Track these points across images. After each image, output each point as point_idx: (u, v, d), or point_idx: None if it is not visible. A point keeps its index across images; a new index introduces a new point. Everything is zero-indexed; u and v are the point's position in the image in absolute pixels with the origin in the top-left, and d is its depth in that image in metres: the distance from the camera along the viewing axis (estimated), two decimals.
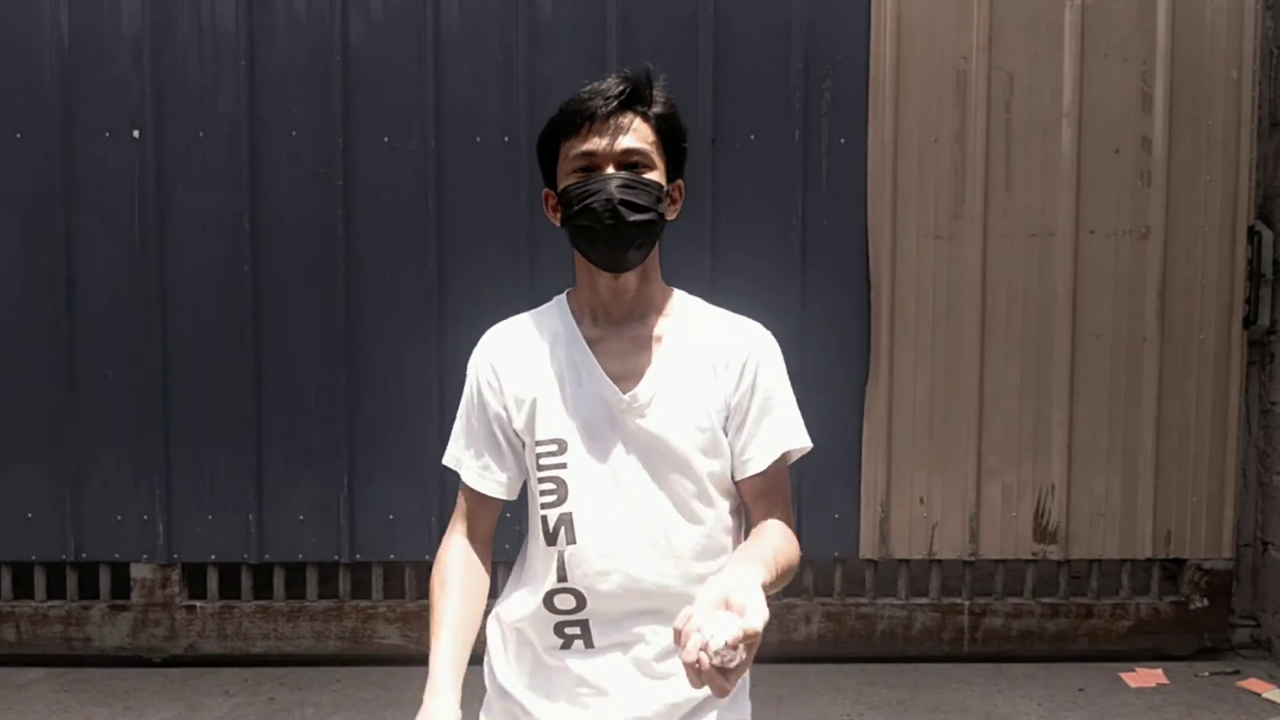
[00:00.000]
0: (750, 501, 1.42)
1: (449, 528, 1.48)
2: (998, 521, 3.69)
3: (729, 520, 1.44)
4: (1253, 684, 3.52)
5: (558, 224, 1.41)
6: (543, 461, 1.38)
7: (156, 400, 3.59)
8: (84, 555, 3.65)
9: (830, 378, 3.61)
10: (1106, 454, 3.68)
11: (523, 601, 1.43)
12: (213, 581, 3.71)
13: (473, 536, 1.46)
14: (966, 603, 3.73)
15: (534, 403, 1.39)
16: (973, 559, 3.71)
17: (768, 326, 1.49)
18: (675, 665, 1.33)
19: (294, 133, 3.57)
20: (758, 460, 1.40)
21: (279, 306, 3.59)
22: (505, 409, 1.42)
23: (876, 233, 3.61)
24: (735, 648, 1.03)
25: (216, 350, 3.59)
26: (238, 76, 3.55)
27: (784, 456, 1.42)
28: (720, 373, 1.40)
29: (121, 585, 3.69)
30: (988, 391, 3.66)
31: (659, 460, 1.37)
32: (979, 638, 3.73)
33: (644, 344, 1.39)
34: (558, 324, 1.43)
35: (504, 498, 1.46)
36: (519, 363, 1.42)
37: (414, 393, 3.58)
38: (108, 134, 3.55)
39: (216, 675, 3.63)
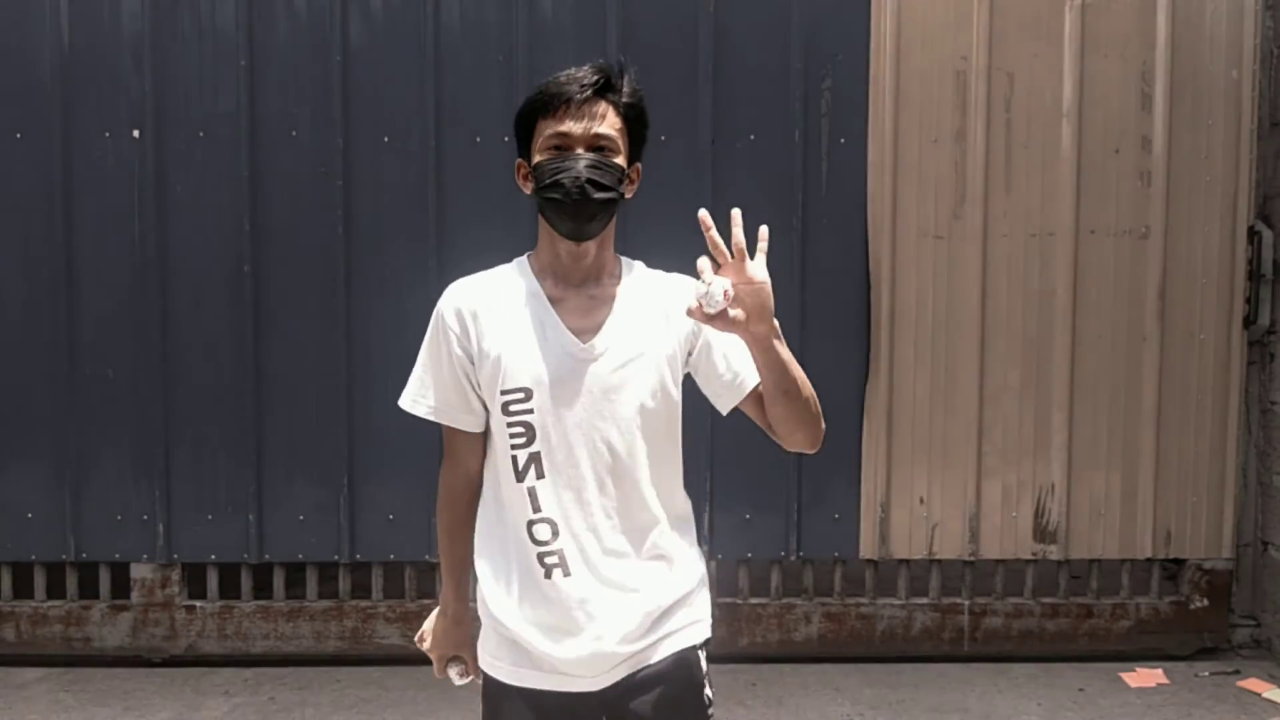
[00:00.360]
0: (764, 407, 1.57)
1: (444, 469, 1.63)
2: (998, 521, 3.69)
3: (677, 456, 1.62)
4: (1253, 684, 3.52)
5: (528, 192, 1.55)
6: (511, 408, 1.52)
7: (156, 400, 3.59)
8: (84, 555, 3.65)
9: (830, 378, 3.60)
10: (1106, 454, 3.68)
11: (504, 537, 1.57)
12: (213, 581, 3.71)
13: (468, 471, 1.61)
14: (966, 603, 3.73)
15: (500, 355, 1.53)
16: (973, 559, 3.71)
17: None
18: (645, 578, 1.53)
19: (294, 133, 3.57)
20: (750, 375, 1.57)
21: (279, 306, 3.59)
22: (472, 358, 1.56)
23: (876, 233, 3.61)
24: (729, 298, 1.33)
25: (216, 350, 3.59)
26: (238, 76, 3.55)
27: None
28: (673, 319, 1.55)
29: (121, 585, 3.69)
30: (988, 391, 3.66)
31: (614, 403, 1.52)
32: (979, 638, 3.73)
33: (600, 302, 1.55)
34: (521, 283, 1.57)
35: (481, 431, 1.60)
36: (486, 316, 1.56)
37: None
38: (108, 134, 3.55)
39: (216, 675, 3.63)
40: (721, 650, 3.67)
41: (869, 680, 3.59)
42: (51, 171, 3.54)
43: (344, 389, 3.59)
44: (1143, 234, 3.65)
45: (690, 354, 1.58)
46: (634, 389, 1.53)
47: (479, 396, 1.57)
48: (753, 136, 3.59)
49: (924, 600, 3.74)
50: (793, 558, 3.68)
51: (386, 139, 3.58)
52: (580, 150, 1.49)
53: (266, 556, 3.65)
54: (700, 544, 1.66)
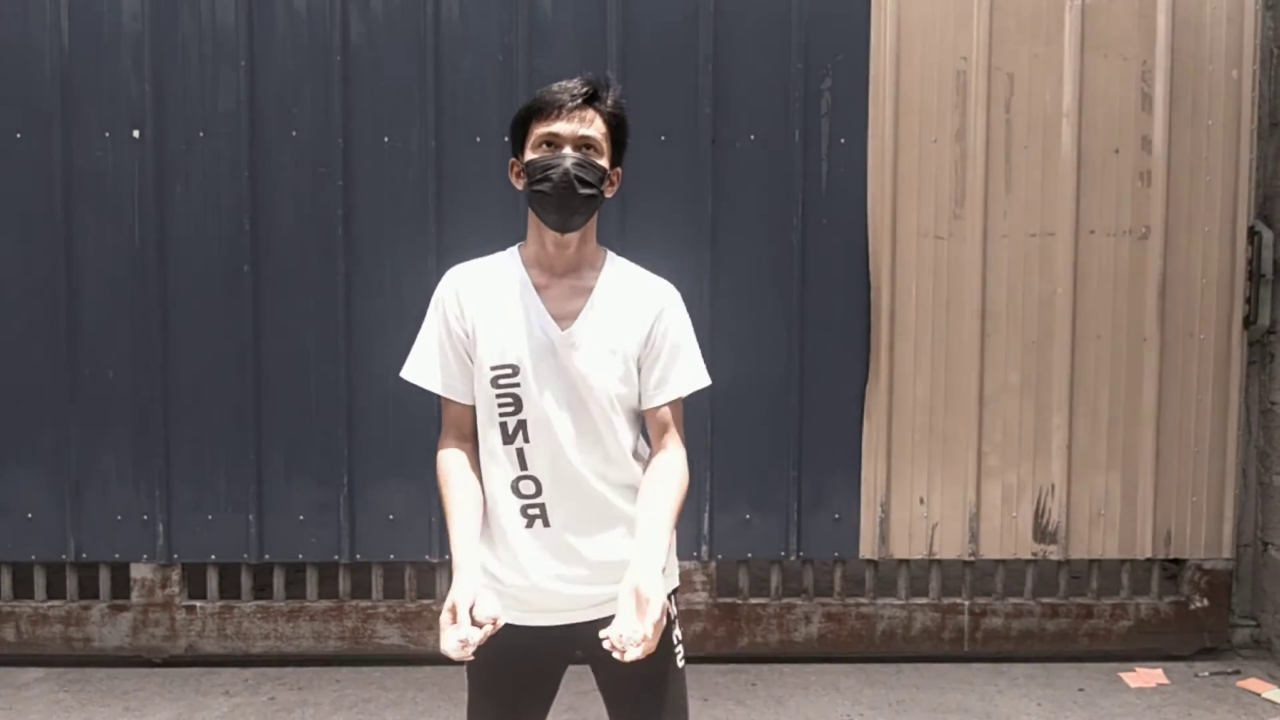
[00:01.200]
0: (653, 428, 1.78)
1: (441, 437, 1.78)
2: (998, 521, 3.69)
3: (635, 429, 1.81)
4: (1253, 684, 3.52)
5: (519, 188, 1.73)
6: (500, 381, 1.72)
7: (156, 400, 3.59)
8: (84, 555, 3.65)
9: (830, 378, 3.62)
10: (1106, 454, 3.68)
11: (492, 495, 1.75)
12: (213, 581, 3.71)
13: (462, 438, 1.79)
14: (966, 603, 3.73)
15: (491, 333, 1.72)
16: (973, 559, 3.71)
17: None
18: (618, 531, 1.75)
19: (294, 133, 3.57)
20: (664, 396, 1.76)
21: (279, 306, 3.59)
22: (468, 335, 1.74)
23: (876, 233, 3.61)
24: (644, 639, 1.50)
25: (216, 351, 3.59)
26: (238, 76, 3.55)
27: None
28: (638, 320, 1.75)
29: (121, 585, 3.69)
30: (988, 391, 3.66)
31: (587, 383, 1.71)
32: (979, 638, 3.74)
33: (579, 293, 1.74)
34: (512, 271, 1.76)
35: (473, 404, 1.78)
36: (481, 299, 1.74)
37: (414, 393, 3.55)
38: (108, 134, 3.55)
39: (216, 675, 3.63)
40: (721, 650, 3.69)
41: (869, 680, 3.59)
42: (51, 171, 3.54)
43: (344, 389, 3.59)
44: (1143, 234, 3.65)
45: (639, 355, 1.76)
46: (606, 371, 1.72)
47: (471, 370, 1.76)
48: (753, 136, 3.59)
49: (924, 600, 3.74)
50: (793, 558, 3.68)
51: (386, 139, 3.58)
52: (568, 149, 1.67)
53: (266, 556, 3.65)
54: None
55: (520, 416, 1.71)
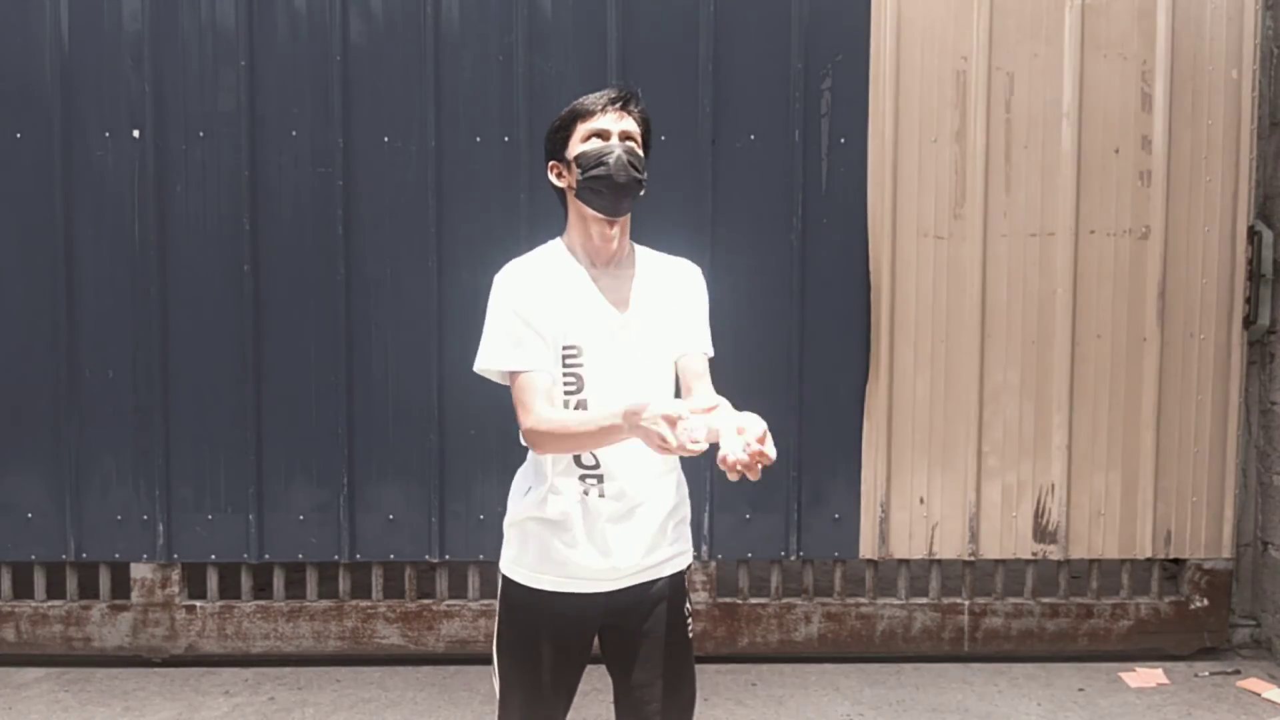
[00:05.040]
0: (693, 377, 1.91)
1: (532, 413, 1.80)
2: (998, 521, 3.69)
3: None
4: (1253, 684, 3.52)
5: (561, 185, 1.89)
6: (567, 361, 1.85)
7: (156, 401, 3.59)
8: (84, 555, 3.65)
9: (830, 378, 3.62)
10: (1106, 454, 3.68)
11: (550, 471, 1.87)
12: (213, 581, 3.71)
13: (554, 404, 1.85)
14: (966, 603, 3.73)
15: (560, 317, 1.84)
16: (973, 559, 3.71)
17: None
18: (661, 503, 1.90)
19: (294, 133, 3.57)
20: (699, 346, 1.95)
21: (279, 306, 3.59)
22: (539, 317, 1.84)
23: (876, 233, 3.61)
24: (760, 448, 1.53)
25: (216, 350, 3.59)
26: (238, 76, 3.55)
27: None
28: (678, 292, 1.95)
29: (121, 585, 3.69)
30: (988, 391, 3.66)
31: (640, 361, 1.88)
32: (979, 638, 3.74)
33: (625, 281, 1.91)
34: (566, 263, 1.89)
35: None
36: (542, 286, 1.85)
37: (414, 392, 3.58)
38: (108, 134, 3.55)
39: (216, 675, 3.63)
40: (721, 650, 3.69)
41: (869, 680, 3.59)
42: (51, 171, 3.54)
43: (344, 389, 3.59)
44: (1143, 234, 3.65)
45: (680, 318, 1.94)
46: (657, 349, 1.90)
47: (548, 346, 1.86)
48: (753, 136, 3.59)
49: (924, 600, 3.74)
50: (793, 558, 3.68)
51: (386, 139, 3.58)
52: (616, 140, 1.84)
53: (266, 556, 3.65)
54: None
55: (581, 395, 1.84)
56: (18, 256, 3.57)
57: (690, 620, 1.99)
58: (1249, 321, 3.68)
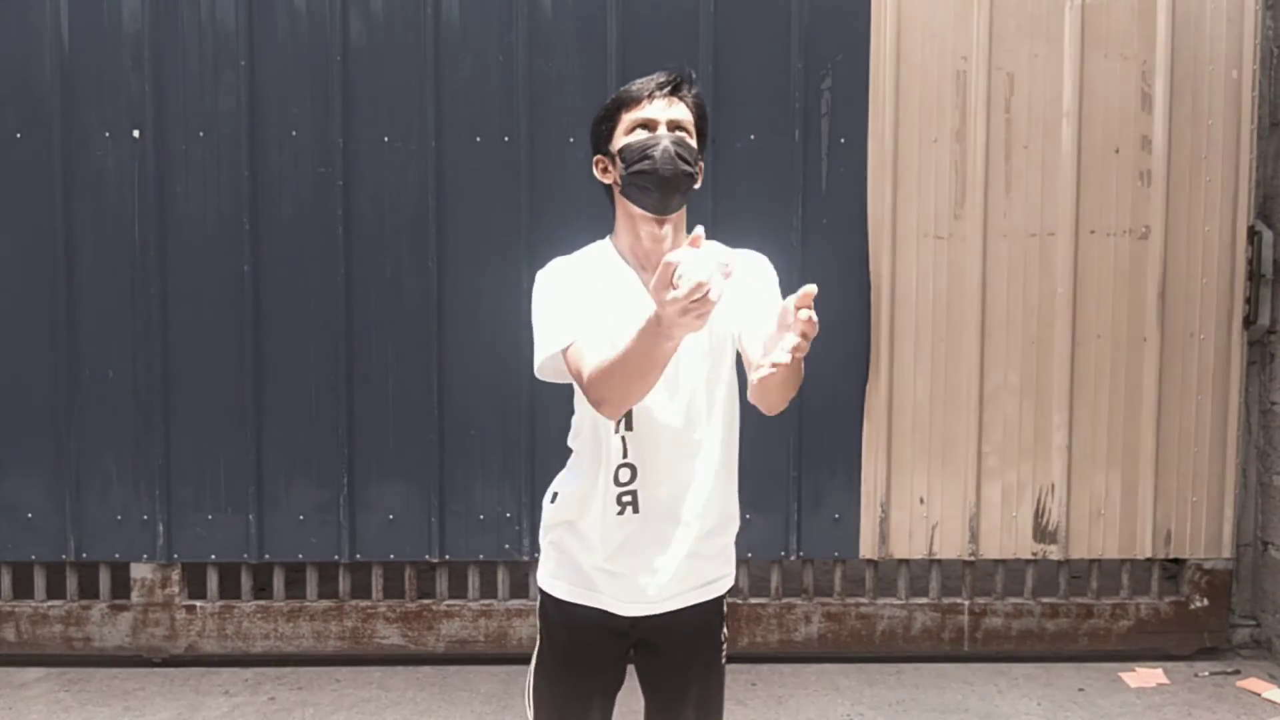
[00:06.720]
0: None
1: (585, 372, 1.60)
2: (998, 521, 3.69)
3: (736, 416, 1.82)
4: (1253, 684, 3.52)
5: (607, 181, 1.73)
6: None
7: (156, 400, 3.59)
8: (84, 555, 3.65)
9: (830, 378, 3.61)
10: (1106, 454, 3.68)
11: (595, 477, 1.74)
12: (213, 581, 3.71)
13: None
14: (966, 603, 3.73)
15: (602, 321, 1.65)
16: (973, 559, 3.71)
17: None
18: (701, 524, 1.76)
19: (294, 133, 3.57)
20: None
21: (279, 306, 3.59)
22: (589, 304, 1.67)
23: (876, 233, 3.61)
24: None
25: (216, 350, 3.59)
26: (238, 76, 3.55)
27: None
28: (740, 291, 1.66)
29: (121, 585, 3.69)
30: (988, 391, 3.66)
31: (694, 371, 1.71)
32: (979, 638, 3.74)
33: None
34: (614, 264, 1.74)
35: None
36: (583, 282, 1.70)
37: (414, 392, 3.58)
38: (108, 134, 3.55)
39: (216, 675, 3.63)
40: None
41: (869, 680, 3.59)
42: (51, 171, 3.54)
43: (344, 389, 3.59)
44: (1143, 234, 3.65)
45: (744, 325, 1.72)
46: (711, 362, 1.73)
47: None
48: (753, 136, 3.59)
49: (924, 600, 3.74)
50: (793, 558, 3.68)
51: (386, 139, 3.58)
52: (663, 130, 1.66)
53: (266, 556, 3.65)
54: None
55: (628, 426, 1.72)
56: (18, 256, 3.57)
57: (725, 645, 1.90)
58: (1249, 321, 3.68)
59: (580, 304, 1.66)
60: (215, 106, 3.56)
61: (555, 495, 1.83)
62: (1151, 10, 3.60)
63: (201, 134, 3.56)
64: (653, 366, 1.50)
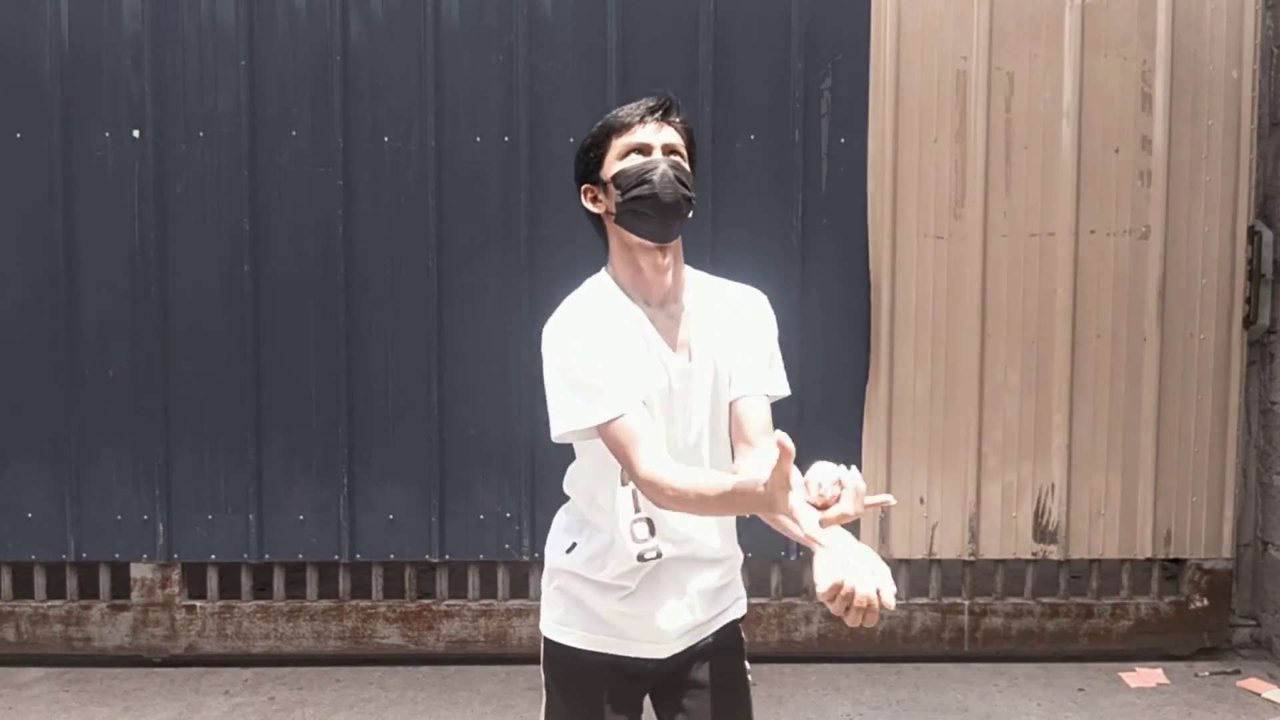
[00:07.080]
0: (753, 430, 1.66)
1: (638, 461, 1.53)
2: (998, 521, 3.69)
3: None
4: (1253, 684, 3.52)
5: (596, 210, 1.65)
6: None
7: (156, 400, 3.59)
8: (84, 555, 3.65)
9: (830, 378, 3.61)
10: (1106, 454, 3.68)
11: (604, 541, 1.67)
12: (213, 581, 3.71)
13: (660, 449, 1.57)
14: (966, 603, 3.73)
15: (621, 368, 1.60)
16: (972, 559, 3.71)
17: None
18: (714, 561, 1.71)
19: (294, 133, 3.57)
20: (765, 385, 1.69)
21: (279, 306, 3.59)
22: (610, 355, 1.60)
23: (876, 233, 3.61)
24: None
25: (216, 350, 3.59)
26: (238, 76, 3.55)
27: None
28: (738, 331, 1.69)
29: (121, 585, 3.69)
30: (988, 391, 3.66)
31: (702, 408, 1.66)
32: (979, 638, 3.74)
33: (683, 320, 1.66)
34: (620, 304, 1.64)
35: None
36: (603, 334, 1.60)
37: (414, 392, 3.58)
38: (108, 134, 3.55)
39: (216, 675, 3.63)
40: None
41: (869, 680, 3.59)
42: (52, 171, 3.54)
43: (344, 389, 3.59)
44: (1143, 234, 3.65)
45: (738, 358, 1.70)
46: (714, 404, 1.68)
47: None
48: (753, 136, 3.59)
49: (924, 600, 3.74)
50: (793, 558, 3.68)
51: (386, 139, 3.58)
52: (658, 154, 1.60)
53: (266, 556, 3.65)
54: None
55: None
56: (18, 256, 3.57)
57: (750, 675, 1.80)
58: (1249, 321, 3.68)
59: (607, 367, 1.56)
60: (215, 106, 3.56)
61: (573, 546, 1.72)
62: (1151, 10, 3.60)
63: (201, 134, 3.56)
64: (726, 512, 1.54)
